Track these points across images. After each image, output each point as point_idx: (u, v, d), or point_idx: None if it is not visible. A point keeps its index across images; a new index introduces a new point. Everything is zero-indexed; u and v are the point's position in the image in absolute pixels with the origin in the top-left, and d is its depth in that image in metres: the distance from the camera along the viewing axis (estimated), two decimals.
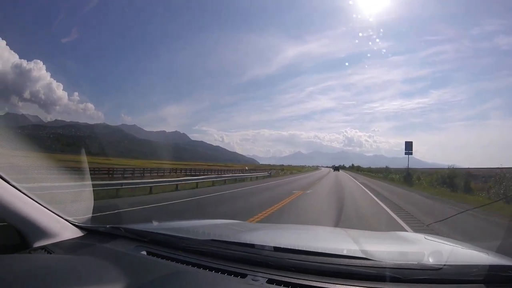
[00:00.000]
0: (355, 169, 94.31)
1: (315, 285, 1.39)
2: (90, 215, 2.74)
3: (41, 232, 1.93)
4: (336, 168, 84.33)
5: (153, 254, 1.85)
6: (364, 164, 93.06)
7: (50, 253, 1.82)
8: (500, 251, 1.77)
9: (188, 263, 1.67)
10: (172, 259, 1.75)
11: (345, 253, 1.65)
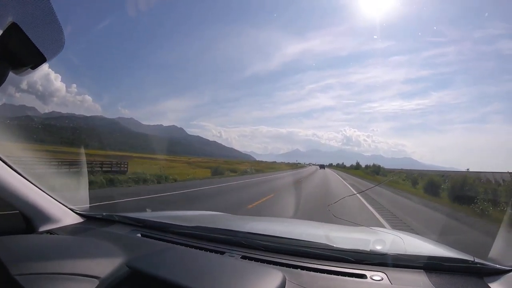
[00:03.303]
0: (348, 169, 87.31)
1: (279, 261, 1.70)
2: (88, 204, 2.93)
3: (46, 218, 2.12)
4: (322, 166, 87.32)
5: (147, 236, 2.15)
6: (362, 164, 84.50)
7: (55, 235, 2.03)
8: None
9: (177, 243, 1.98)
10: (164, 240, 2.06)
11: (304, 237, 2.00)
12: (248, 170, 40.61)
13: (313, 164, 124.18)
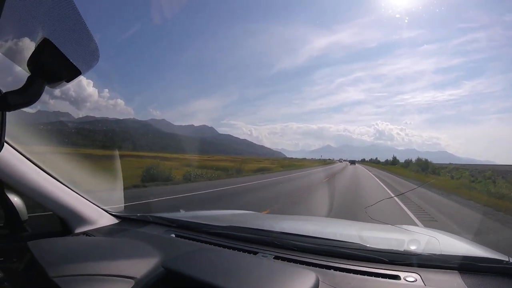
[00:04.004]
0: (386, 165, 67.95)
1: (312, 262, 1.68)
2: (123, 204, 3.02)
3: (81, 219, 2.20)
4: (352, 162, 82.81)
5: (181, 237, 2.19)
6: (400, 159, 67.84)
7: (91, 237, 2.10)
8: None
9: (210, 243, 2.01)
10: (197, 240, 2.09)
11: (337, 237, 1.98)
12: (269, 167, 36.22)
13: (343, 160, 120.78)
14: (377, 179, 23.47)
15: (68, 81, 1.04)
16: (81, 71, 1.02)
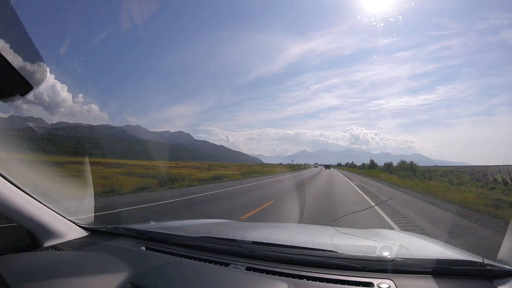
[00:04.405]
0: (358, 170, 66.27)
1: (284, 271, 1.68)
2: (93, 214, 2.95)
3: (50, 233, 2.16)
4: (327, 167, 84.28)
5: (151, 249, 2.15)
6: (369, 162, 69.24)
7: (60, 251, 2.04)
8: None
9: (181, 256, 1.99)
10: (168, 253, 2.06)
11: (309, 245, 1.92)
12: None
13: (319, 165, 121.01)
14: (361, 192, 16.17)
15: (22, 95, 1.04)
16: (33, 86, 1.03)
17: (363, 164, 79.58)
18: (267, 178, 29.65)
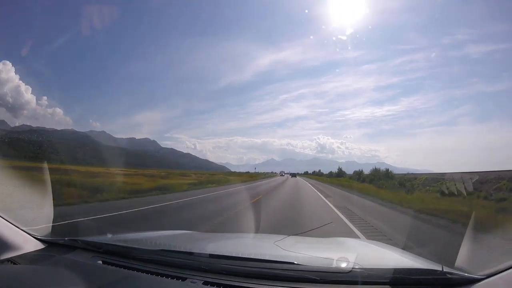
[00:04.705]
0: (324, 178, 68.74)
1: (242, 285, 1.67)
2: (51, 224, 2.83)
3: (5, 245, 2.06)
4: (293, 175, 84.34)
5: (108, 263, 2.08)
6: (336, 170, 68.64)
7: (16, 265, 1.96)
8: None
9: (138, 270, 1.92)
10: (125, 267, 1.99)
11: (267, 258, 1.90)
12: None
13: (285, 173, 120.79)
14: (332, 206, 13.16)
15: None
16: None
17: (330, 172, 79.48)
18: (220, 189, 23.91)
